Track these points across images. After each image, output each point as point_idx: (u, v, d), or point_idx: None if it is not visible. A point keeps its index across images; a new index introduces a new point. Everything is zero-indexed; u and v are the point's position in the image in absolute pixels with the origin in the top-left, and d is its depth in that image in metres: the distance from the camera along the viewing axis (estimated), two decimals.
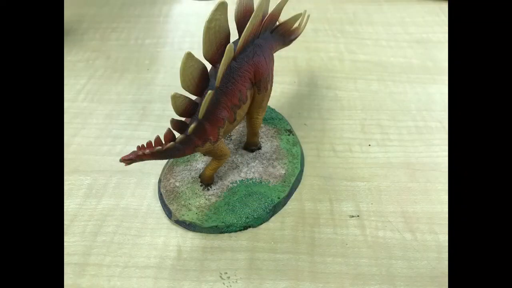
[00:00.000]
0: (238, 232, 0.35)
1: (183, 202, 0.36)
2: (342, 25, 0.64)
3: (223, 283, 0.31)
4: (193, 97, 0.39)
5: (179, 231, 0.35)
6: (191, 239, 0.34)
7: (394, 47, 0.59)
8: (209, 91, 0.28)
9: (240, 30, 0.31)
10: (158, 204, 0.37)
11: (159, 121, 0.46)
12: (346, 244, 0.34)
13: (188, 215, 0.35)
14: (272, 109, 0.46)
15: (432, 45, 0.59)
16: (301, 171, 0.40)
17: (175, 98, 0.28)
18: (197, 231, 0.35)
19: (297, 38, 0.55)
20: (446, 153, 0.42)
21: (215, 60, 0.30)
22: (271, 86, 0.35)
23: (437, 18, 0.66)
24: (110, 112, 0.48)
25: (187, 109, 0.29)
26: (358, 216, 0.36)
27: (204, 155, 0.40)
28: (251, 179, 0.38)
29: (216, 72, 0.30)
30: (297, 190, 0.38)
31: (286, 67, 0.55)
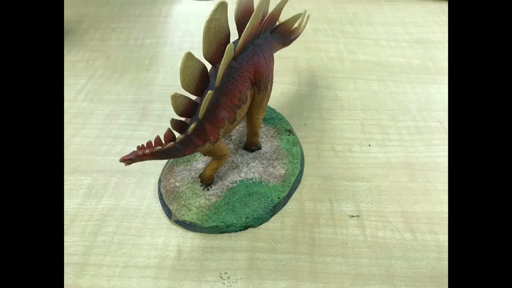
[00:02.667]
0: (238, 232, 0.35)
1: (183, 202, 0.36)
2: (342, 25, 0.64)
3: (223, 283, 0.31)
4: (193, 97, 0.39)
5: (179, 231, 0.35)
6: (191, 239, 0.34)
7: (394, 47, 0.59)
8: (209, 91, 0.28)
9: (240, 30, 0.31)
10: (158, 204, 0.37)
11: (159, 121, 0.46)
12: (346, 244, 0.34)
13: (188, 215, 0.35)
14: (272, 109, 0.46)
15: (432, 45, 0.59)
16: (301, 171, 0.40)
17: (175, 98, 0.28)
18: (197, 231, 0.35)
19: (297, 38, 0.55)
20: (446, 153, 0.42)
21: (215, 60, 0.30)
22: (271, 86, 0.35)
23: (437, 18, 0.66)
24: (110, 112, 0.48)
25: (187, 109, 0.29)
26: (358, 216, 0.36)
27: (204, 155, 0.40)
28: (251, 179, 0.38)
29: (216, 72, 0.30)
30: (297, 190, 0.38)
31: (286, 67, 0.55)
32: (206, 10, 0.69)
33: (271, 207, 0.36)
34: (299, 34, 0.40)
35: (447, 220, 0.36)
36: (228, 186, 0.37)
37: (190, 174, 0.38)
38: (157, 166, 0.41)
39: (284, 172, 0.38)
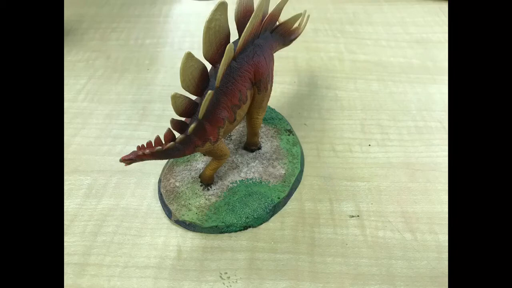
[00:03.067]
0: (238, 232, 0.35)
1: (183, 202, 0.36)
2: (342, 25, 0.64)
3: (223, 283, 0.31)
4: (193, 97, 0.39)
5: (179, 231, 0.35)
6: (191, 239, 0.34)
7: (394, 47, 0.59)
8: (209, 91, 0.28)
9: (240, 30, 0.31)
10: (158, 204, 0.37)
11: (159, 121, 0.46)
12: (346, 244, 0.34)
13: (188, 215, 0.35)
14: (272, 109, 0.46)
15: (432, 45, 0.59)
16: (301, 171, 0.40)
17: (175, 98, 0.28)
18: (197, 231, 0.35)
19: (297, 38, 0.55)
20: (446, 153, 0.42)
21: (215, 60, 0.30)
22: (271, 86, 0.35)
23: (437, 18, 0.66)
24: (110, 112, 0.48)
25: (187, 109, 0.29)
26: (358, 216, 0.36)
27: (204, 155, 0.40)
28: (251, 179, 0.38)
29: (216, 72, 0.30)
30: (297, 190, 0.38)
31: (286, 67, 0.55)
32: (206, 10, 0.69)
33: (271, 207, 0.36)
34: (299, 34, 0.40)
35: (447, 220, 0.36)
36: (228, 186, 0.37)
37: (190, 174, 0.38)
38: (157, 166, 0.41)
39: (284, 172, 0.38)
